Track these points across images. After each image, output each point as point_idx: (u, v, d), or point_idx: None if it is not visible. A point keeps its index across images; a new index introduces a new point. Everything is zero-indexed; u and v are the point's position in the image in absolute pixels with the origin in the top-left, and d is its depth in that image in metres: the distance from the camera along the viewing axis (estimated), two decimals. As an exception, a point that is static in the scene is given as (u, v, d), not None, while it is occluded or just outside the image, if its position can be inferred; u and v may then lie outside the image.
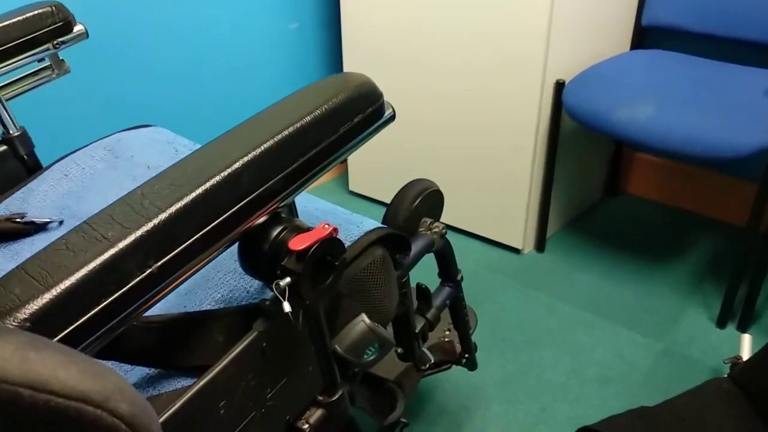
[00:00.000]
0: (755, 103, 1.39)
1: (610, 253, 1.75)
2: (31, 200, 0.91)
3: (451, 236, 0.95)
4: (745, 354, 1.27)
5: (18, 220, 0.85)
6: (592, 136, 1.79)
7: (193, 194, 0.51)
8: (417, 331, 0.93)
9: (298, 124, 0.59)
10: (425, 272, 1.04)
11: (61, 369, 0.32)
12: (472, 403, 1.32)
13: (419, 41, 1.67)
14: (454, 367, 1.13)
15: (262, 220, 0.58)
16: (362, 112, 0.65)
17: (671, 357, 1.42)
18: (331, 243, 0.59)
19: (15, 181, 0.97)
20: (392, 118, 0.69)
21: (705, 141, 1.31)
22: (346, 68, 1.86)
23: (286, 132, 0.58)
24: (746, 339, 1.31)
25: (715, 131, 1.31)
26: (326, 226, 0.59)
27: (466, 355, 1.12)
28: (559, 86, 1.56)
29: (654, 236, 1.83)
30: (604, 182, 1.99)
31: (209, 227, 0.52)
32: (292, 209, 0.64)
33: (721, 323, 1.50)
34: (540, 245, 1.77)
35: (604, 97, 1.47)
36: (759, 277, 1.44)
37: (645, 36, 1.79)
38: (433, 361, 1.06)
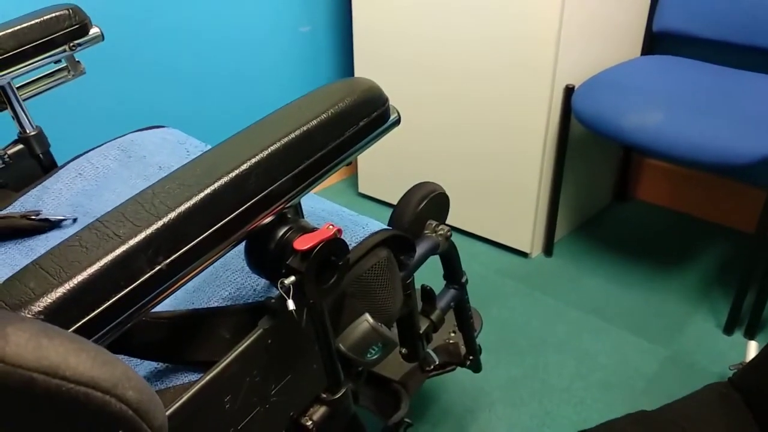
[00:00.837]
0: (765, 109, 1.39)
1: (618, 258, 1.75)
2: (46, 198, 0.93)
3: (459, 239, 0.96)
4: (751, 361, 1.27)
5: (33, 217, 0.87)
6: (601, 141, 1.80)
7: (202, 194, 0.53)
8: (421, 332, 0.94)
9: (304, 128, 0.61)
10: (431, 274, 1.06)
11: (72, 356, 0.33)
12: (476, 405, 1.33)
13: (430, 46, 1.68)
14: (459, 368, 1.14)
15: (268, 220, 0.59)
16: (368, 116, 0.66)
17: (677, 363, 1.42)
18: (335, 243, 0.61)
19: (31, 179, 0.99)
20: (397, 122, 0.70)
21: (714, 147, 1.31)
22: (357, 72, 1.88)
23: (292, 135, 0.60)
24: (752, 346, 1.32)
25: (725, 138, 1.31)
26: (331, 226, 0.60)
27: (471, 357, 1.13)
28: (569, 91, 1.56)
29: (662, 242, 1.83)
30: (613, 187, 1.99)
31: (217, 226, 0.54)
32: (298, 210, 0.65)
33: (728, 330, 1.50)
34: (548, 249, 1.77)
35: (614, 102, 1.48)
36: (767, 284, 1.44)
37: (656, 42, 1.79)
38: (437, 363, 1.08)
